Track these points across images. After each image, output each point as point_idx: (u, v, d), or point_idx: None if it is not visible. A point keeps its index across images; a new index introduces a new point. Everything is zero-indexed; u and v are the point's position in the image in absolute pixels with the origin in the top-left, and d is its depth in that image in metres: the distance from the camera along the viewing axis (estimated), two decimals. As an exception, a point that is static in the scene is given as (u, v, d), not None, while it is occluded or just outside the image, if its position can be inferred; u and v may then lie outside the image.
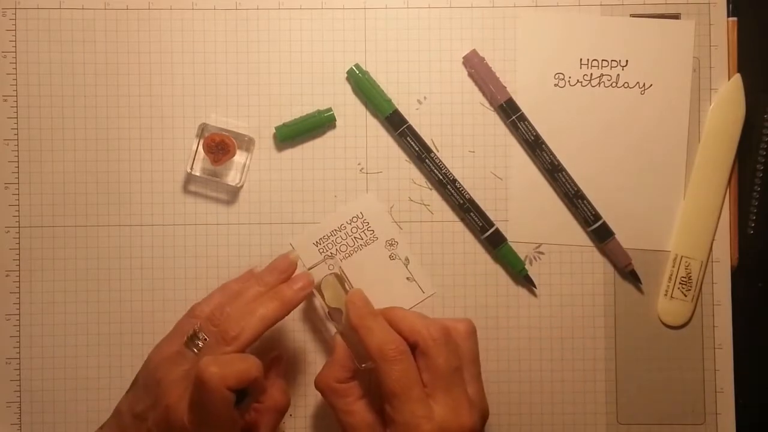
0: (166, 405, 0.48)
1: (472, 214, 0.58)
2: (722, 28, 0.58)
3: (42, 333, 0.58)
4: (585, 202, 0.58)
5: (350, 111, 0.58)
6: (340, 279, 0.55)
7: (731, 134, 0.58)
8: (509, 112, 0.58)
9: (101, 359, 0.58)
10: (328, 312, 0.55)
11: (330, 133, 0.58)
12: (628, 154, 0.58)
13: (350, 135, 0.58)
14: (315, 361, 0.58)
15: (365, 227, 0.58)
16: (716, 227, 0.58)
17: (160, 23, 0.58)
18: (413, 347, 0.50)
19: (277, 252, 0.56)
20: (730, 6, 0.58)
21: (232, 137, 0.57)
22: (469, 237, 0.58)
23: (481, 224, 0.58)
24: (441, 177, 0.58)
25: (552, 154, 0.58)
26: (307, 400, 0.58)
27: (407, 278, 0.58)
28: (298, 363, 0.58)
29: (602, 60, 0.58)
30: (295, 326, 0.58)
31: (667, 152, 0.58)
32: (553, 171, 0.58)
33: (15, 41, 0.58)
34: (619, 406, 0.58)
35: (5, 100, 0.58)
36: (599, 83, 0.58)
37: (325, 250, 0.58)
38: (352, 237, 0.58)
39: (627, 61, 0.58)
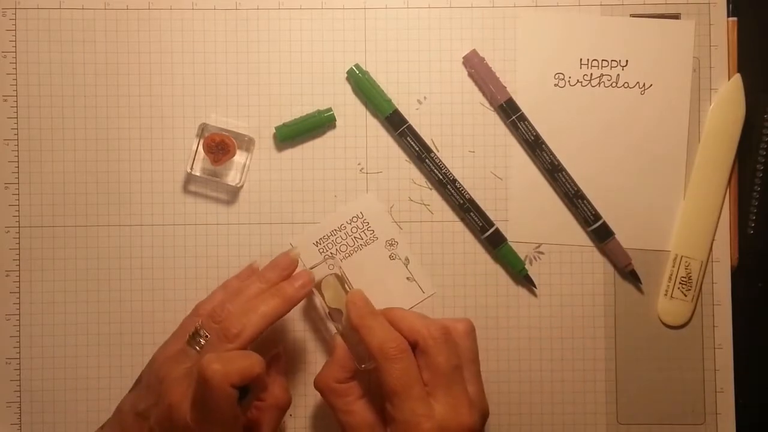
0: (169, 403, 0.48)
1: (472, 214, 0.58)
2: (722, 28, 0.58)
3: (42, 333, 0.58)
4: (585, 202, 0.58)
5: (350, 111, 0.58)
6: (341, 279, 0.55)
7: (731, 134, 0.58)
8: (509, 112, 0.58)
9: (101, 359, 0.58)
10: (328, 312, 0.55)
11: (330, 133, 0.58)
12: (628, 154, 0.58)
13: (350, 135, 0.58)
14: (315, 361, 0.58)
15: (365, 227, 0.58)
16: (716, 227, 0.58)
17: (160, 23, 0.58)
18: (413, 346, 0.50)
19: (277, 252, 0.56)
20: (730, 6, 0.58)
21: (232, 137, 0.57)
22: (469, 237, 0.58)
23: (481, 224, 0.58)
24: (441, 177, 0.57)
25: (552, 154, 0.58)
26: (307, 400, 0.58)
27: (407, 278, 0.58)
28: (298, 363, 0.58)
29: (602, 60, 0.58)
30: (295, 326, 0.58)
31: (667, 152, 0.58)
32: (553, 171, 0.58)
33: (15, 41, 0.58)
34: (619, 406, 0.58)
35: (5, 100, 0.58)
36: (599, 83, 0.58)
37: (325, 250, 0.58)
38: (352, 237, 0.58)
39: (627, 61, 0.58)
